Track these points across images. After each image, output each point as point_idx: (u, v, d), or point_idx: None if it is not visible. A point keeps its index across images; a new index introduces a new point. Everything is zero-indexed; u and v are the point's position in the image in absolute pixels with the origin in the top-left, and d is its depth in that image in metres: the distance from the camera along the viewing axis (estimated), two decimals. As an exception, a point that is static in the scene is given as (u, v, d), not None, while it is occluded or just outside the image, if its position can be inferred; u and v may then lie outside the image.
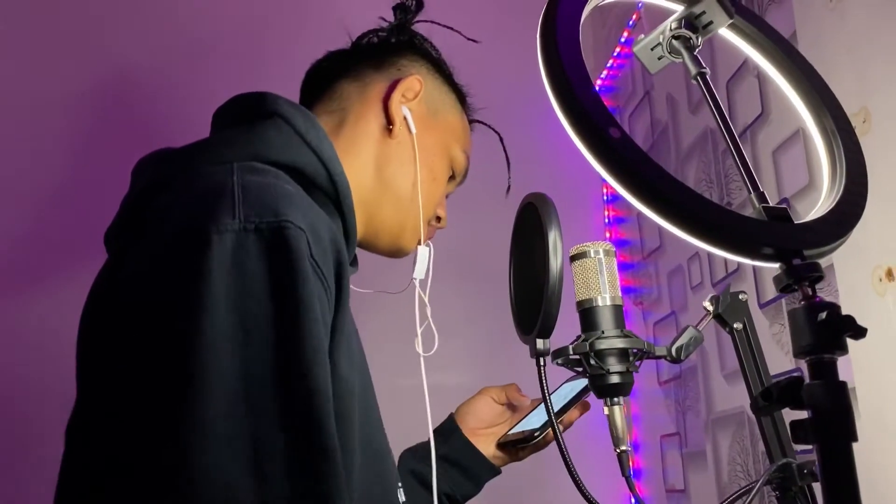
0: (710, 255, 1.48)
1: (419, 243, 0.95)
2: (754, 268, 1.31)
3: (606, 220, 1.96)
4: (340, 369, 0.67)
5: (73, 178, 1.67)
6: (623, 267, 1.89)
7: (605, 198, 1.98)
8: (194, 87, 1.69)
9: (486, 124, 1.07)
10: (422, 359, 0.93)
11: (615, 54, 1.91)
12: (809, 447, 0.57)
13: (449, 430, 1.09)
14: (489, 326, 1.78)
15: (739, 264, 1.36)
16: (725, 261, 1.41)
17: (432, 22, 1.02)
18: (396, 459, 0.96)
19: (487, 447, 1.08)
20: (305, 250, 0.62)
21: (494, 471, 1.09)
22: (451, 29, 1.03)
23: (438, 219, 1.00)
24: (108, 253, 0.79)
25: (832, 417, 0.56)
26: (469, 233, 1.76)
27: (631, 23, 1.79)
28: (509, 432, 1.08)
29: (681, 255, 1.61)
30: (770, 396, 0.58)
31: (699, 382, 1.52)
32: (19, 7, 1.72)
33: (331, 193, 0.80)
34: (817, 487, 0.72)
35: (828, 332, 0.56)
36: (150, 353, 0.59)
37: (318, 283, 0.63)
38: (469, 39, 1.05)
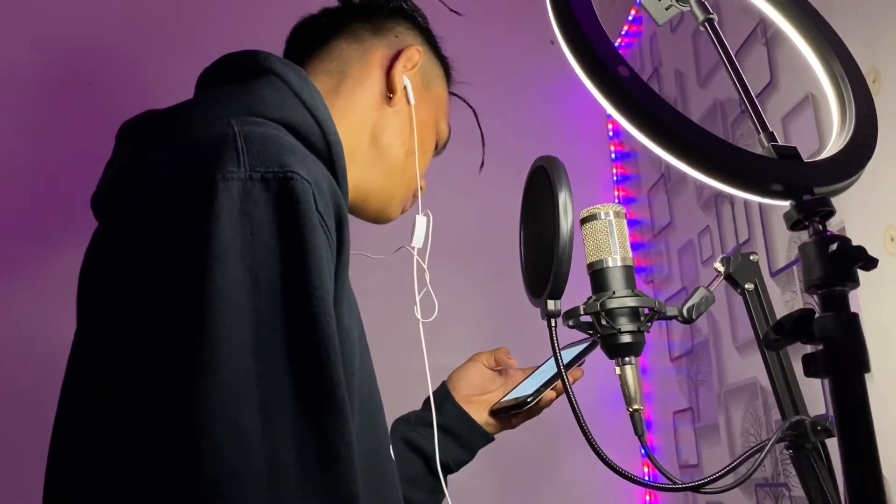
0: (720, 226, 1.48)
1: (407, 210, 0.95)
2: (765, 236, 1.31)
3: (616, 196, 1.96)
4: (342, 319, 0.67)
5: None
6: (633, 247, 1.89)
7: (614, 178, 1.98)
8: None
9: (462, 98, 1.07)
10: (420, 324, 0.93)
11: (623, 32, 1.91)
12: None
13: (442, 398, 1.08)
14: (492, 308, 1.79)
15: (750, 234, 1.36)
16: (736, 232, 1.41)
17: None
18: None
19: (480, 414, 1.08)
20: (311, 201, 0.62)
21: (488, 438, 1.08)
22: (440, 0, 1.04)
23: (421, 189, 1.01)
24: (97, 218, 0.79)
25: (845, 349, 0.56)
26: (472, 213, 1.77)
27: (638, 1, 1.79)
28: (502, 399, 1.08)
29: (691, 229, 1.61)
30: (782, 329, 0.58)
31: (711, 356, 1.52)
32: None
33: (324, 153, 0.79)
34: (832, 445, 0.73)
35: (839, 263, 0.56)
36: (160, 303, 0.59)
37: (324, 235, 0.63)
38: (454, 11, 1.05)
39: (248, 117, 0.72)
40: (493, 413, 1.08)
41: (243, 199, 0.60)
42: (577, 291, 0.76)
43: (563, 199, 0.71)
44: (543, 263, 0.72)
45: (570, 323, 0.76)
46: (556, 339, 0.72)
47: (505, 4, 1.88)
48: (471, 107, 1.08)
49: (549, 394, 1.03)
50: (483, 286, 1.81)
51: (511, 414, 1.06)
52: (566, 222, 0.70)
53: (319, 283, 0.61)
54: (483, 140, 1.11)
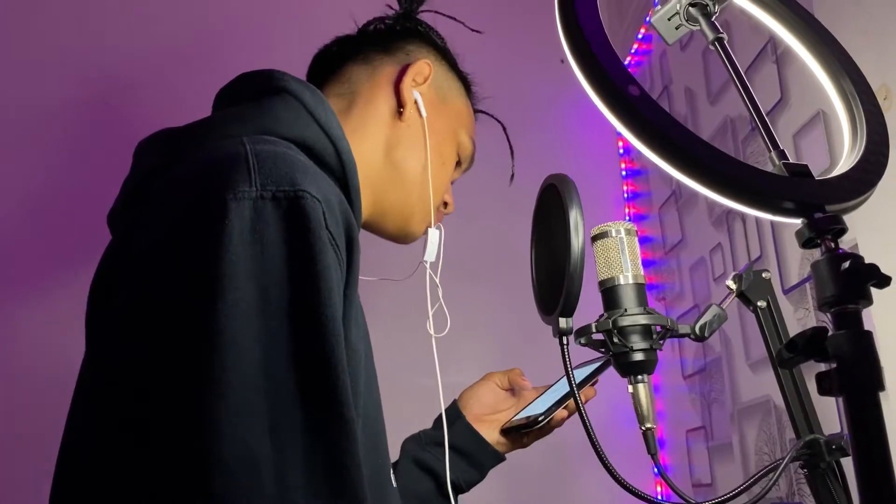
0: (732, 244, 1.47)
1: (429, 226, 0.95)
2: (777, 254, 1.30)
3: (627, 213, 1.96)
4: (350, 337, 0.67)
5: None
6: (645, 265, 1.88)
7: (625, 195, 1.98)
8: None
9: (489, 114, 1.07)
10: (433, 340, 0.92)
11: (633, 51, 1.92)
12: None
13: (452, 417, 1.07)
14: (503, 325, 1.79)
15: (762, 251, 1.35)
16: (748, 250, 1.41)
17: (436, 12, 1.03)
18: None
19: (491, 433, 1.07)
20: (321, 220, 0.62)
21: (499, 458, 1.07)
22: (455, 20, 1.04)
23: (445, 204, 1.00)
24: (112, 234, 0.79)
25: (859, 367, 0.56)
26: (484, 231, 1.77)
27: (648, 19, 1.80)
28: (513, 418, 1.07)
29: (703, 247, 1.61)
30: (795, 348, 0.58)
31: (724, 374, 1.51)
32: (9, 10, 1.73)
33: (337, 171, 0.79)
34: (847, 464, 0.72)
35: (852, 281, 0.56)
36: (169, 323, 0.60)
37: (333, 254, 0.63)
38: (472, 30, 1.05)
39: (261, 136, 0.72)
40: (505, 432, 1.07)
41: (254, 217, 0.60)
42: (588, 309, 0.76)
43: (574, 216, 0.71)
44: (555, 281, 0.72)
45: (582, 341, 0.76)
46: (568, 357, 0.71)
47: (514, 24, 1.89)
48: (499, 121, 1.08)
49: (560, 413, 1.02)
50: (494, 304, 1.81)
51: (523, 433, 1.05)
52: (577, 240, 0.70)
53: (329, 302, 0.61)
54: (512, 152, 1.10)
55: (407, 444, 1.08)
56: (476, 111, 1.05)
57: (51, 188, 1.67)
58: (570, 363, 0.72)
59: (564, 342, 0.72)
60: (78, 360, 0.72)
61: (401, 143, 0.92)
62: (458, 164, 1.00)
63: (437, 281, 0.94)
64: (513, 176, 1.11)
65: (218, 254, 0.59)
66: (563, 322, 0.72)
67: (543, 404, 1.04)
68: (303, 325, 0.59)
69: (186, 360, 0.58)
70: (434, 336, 0.93)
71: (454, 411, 1.09)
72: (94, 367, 0.69)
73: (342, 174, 0.80)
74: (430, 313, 0.93)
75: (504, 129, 1.09)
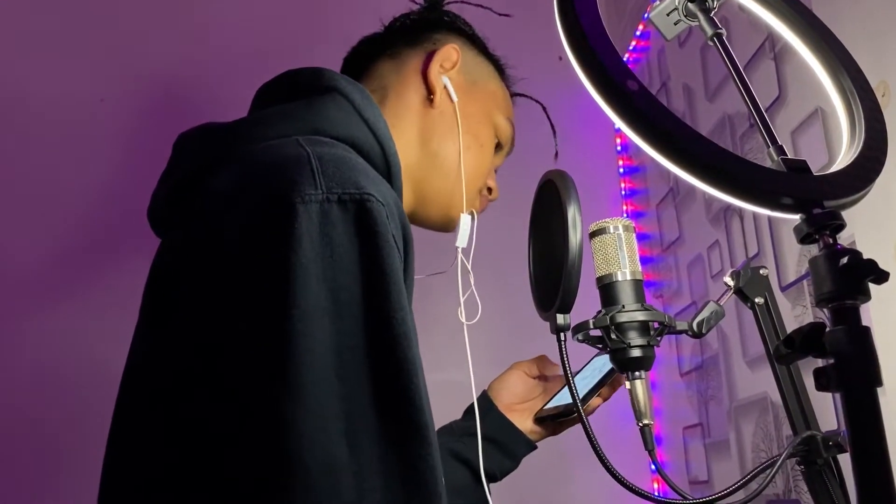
0: (730, 240, 1.47)
1: (463, 211, 0.94)
2: (775, 250, 1.30)
3: (625, 210, 1.96)
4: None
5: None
6: (642, 261, 1.88)
7: (623, 192, 1.98)
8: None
9: (528, 96, 1.07)
10: (465, 327, 0.92)
11: (632, 47, 1.91)
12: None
13: (485, 408, 1.08)
14: (500, 322, 1.78)
15: (760, 248, 1.35)
16: (746, 246, 1.41)
17: (462, 1, 1.03)
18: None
19: (524, 422, 1.07)
20: (386, 223, 0.62)
21: (531, 446, 1.08)
22: (482, 6, 1.04)
23: (490, 190, 1.00)
24: (156, 232, 0.79)
25: (856, 363, 0.56)
26: (481, 227, 1.77)
27: (646, 15, 1.80)
28: (545, 407, 1.07)
29: (700, 243, 1.61)
30: (792, 343, 0.58)
31: (721, 371, 1.51)
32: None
33: (383, 171, 0.80)
34: (844, 461, 0.72)
35: (850, 276, 0.56)
36: (243, 327, 0.59)
37: (398, 255, 0.64)
38: (501, 14, 1.05)
39: (316, 137, 0.72)
40: (539, 421, 1.07)
41: (322, 221, 0.60)
42: (586, 306, 0.76)
43: (572, 213, 0.71)
44: (552, 277, 0.72)
45: (580, 337, 0.76)
46: (566, 354, 0.71)
47: (512, 20, 1.88)
48: (538, 101, 1.08)
49: (595, 400, 1.03)
50: (492, 300, 1.80)
51: (559, 422, 1.06)
52: (575, 236, 0.70)
53: (399, 305, 0.61)
54: (554, 131, 1.11)
55: (440, 435, 1.08)
56: (513, 95, 1.04)
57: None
58: (568, 359, 0.72)
59: (562, 338, 0.72)
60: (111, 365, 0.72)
61: (435, 130, 0.92)
62: (500, 147, 1.00)
63: (469, 267, 0.93)
64: (556, 154, 1.11)
65: (288, 257, 0.58)
66: (560, 318, 0.72)
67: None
68: (375, 328, 0.59)
69: (261, 364, 0.58)
70: (465, 324, 0.92)
71: (486, 402, 1.09)
72: (156, 368, 0.68)
73: (387, 175, 0.80)
74: (462, 300, 0.93)
75: (544, 109, 1.09)
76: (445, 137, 0.91)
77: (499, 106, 0.99)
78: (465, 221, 0.94)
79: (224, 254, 0.63)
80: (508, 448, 1.06)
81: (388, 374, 0.59)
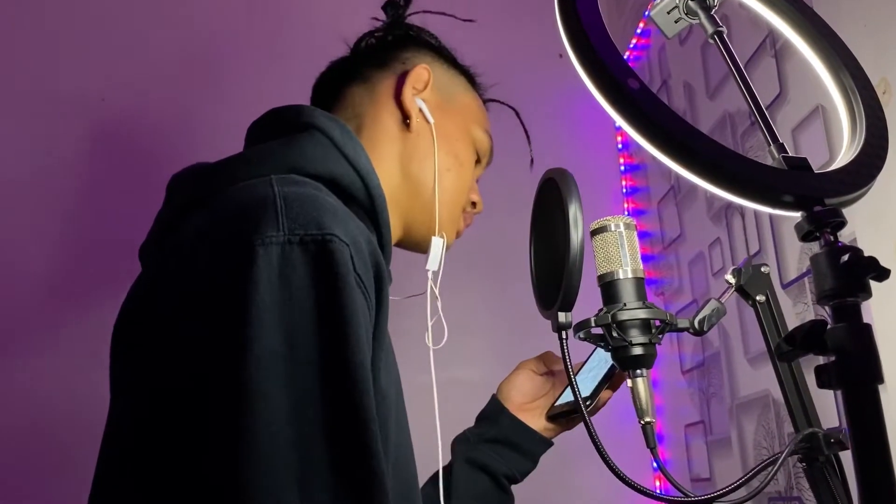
0: (731, 238, 1.47)
1: (434, 234, 0.93)
2: (776, 248, 1.30)
3: (626, 208, 1.96)
4: (380, 381, 0.67)
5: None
6: (643, 259, 1.88)
7: (624, 190, 1.98)
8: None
9: (500, 101, 1.06)
10: (431, 352, 0.91)
11: (632, 45, 1.91)
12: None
13: (496, 412, 1.07)
14: (502, 320, 1.79)
15: (761, 245, 1.35)
16: (747, 244, 1.41)
17: (425, 11, 1.02)
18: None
19: (537, 421, 1.06)
20: (349, 264, 0.62)
21: (547, 443, 1.07)
22: (444, 14, 1.02)
23: (473, 204, 0.99)
24: (142, 266, 0.79)
25: (857, 360, 0.56)
26: (482, 225, 1.77)
27: (647, 13, 1.80)
28: (555, 404, 1.06)
29: (702, 241, 1.61)
30: (794, 341, 0.58)
31: (723, 368, 1.51)
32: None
33: (367, 206, 0.79)
34: (845, 458, 0.72)
35: (851, 274, 0.56)
36: (196, 368, 0.60)
37: (362, 297, 0.63)
38: (464, 20, 1.03)
39: (289, 175, 0.72)
40: (552, 418, 1.06)
41: (281, 263, 0.60)
42: (588, 304, 0.76)
43: (574, 210, 0.71)
44: (554, 275, 0.72)
45: (581, 335, 0.76)
46: (568, 352, 0.71)
47: (512, 18, 1.89)
48: (510, 107, 1.07)
49: (605, 393, 1.02)
50: (493, 298, 1.81)
51: (570, 418, 1.05)
52: (577, 234, 0.70)
53: (357, 349, 0.60)
54: (528, 137, 1.09)
55: (457, 445, 1.07)
56: (485, 101, 1.04)
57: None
58: (570, 358, 0.72)
59: (563, 336, 0.72)
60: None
61: (415, 154, 0.91)
62: (478, 161, 0.99)
63: (437, 293, 0.92)
64: (532, 161, 1.09)
65: (245, 301, 0.58)
66: (562, 316, 0.72)
67: (584, 385, 1.03)
68: (330, 374, 0.59)
69: (214, 407, 0.58)
70: (432, 348, 0.92)
71: (496, 406, 1.08)
72: (120, 406, 0.69)
73: (371, 208, 0.79)
74: (430, 324, 0.92)
75: (517, 113, 1.08)
76: (424, 161, 0.91)
77: (475, 118, 0.98)
78: (436, 244, 0.93)
79: (187, 293, 0.63)
80: (525, 449, 1.05)
81: (343, 421, 0.58)
